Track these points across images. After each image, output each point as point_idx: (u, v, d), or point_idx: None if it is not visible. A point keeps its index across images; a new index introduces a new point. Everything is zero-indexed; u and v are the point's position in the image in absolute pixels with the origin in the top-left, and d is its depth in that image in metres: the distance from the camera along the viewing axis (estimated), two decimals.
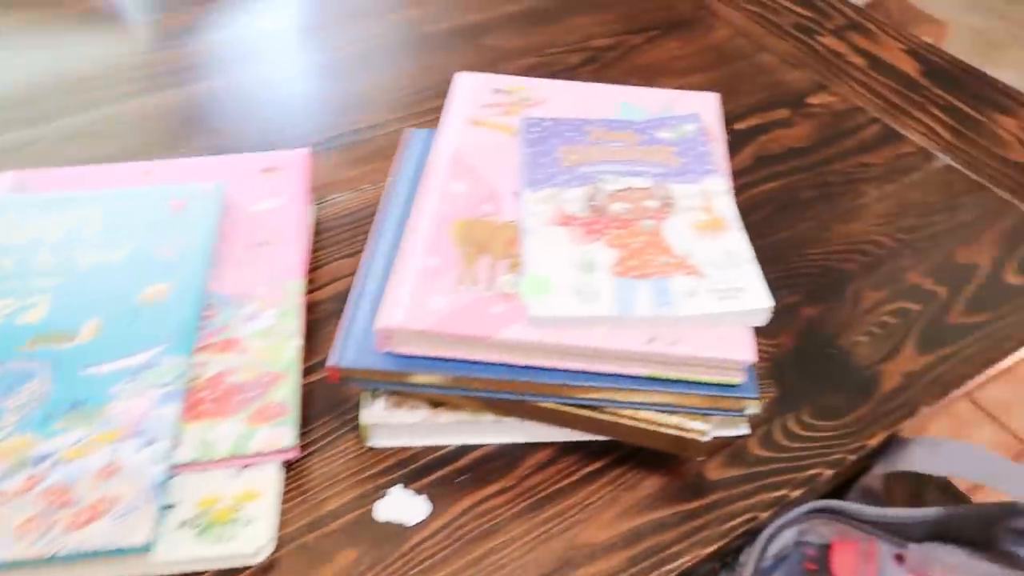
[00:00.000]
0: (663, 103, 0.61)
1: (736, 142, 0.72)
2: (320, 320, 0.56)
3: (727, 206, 0.51)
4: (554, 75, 0.79)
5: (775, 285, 0.59)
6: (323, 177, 0.67)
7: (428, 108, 0.75)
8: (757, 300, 0.45)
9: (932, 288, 0.60)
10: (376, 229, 0.55)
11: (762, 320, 0.45)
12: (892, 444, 0.51)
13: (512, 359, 0.45)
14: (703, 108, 0.61)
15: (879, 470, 0.51)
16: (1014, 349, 0.56)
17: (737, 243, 0.48)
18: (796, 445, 0.50)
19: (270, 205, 0.60)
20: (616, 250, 0.48)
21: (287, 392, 0.49)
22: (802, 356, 0.55)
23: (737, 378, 0.45)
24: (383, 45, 0.83)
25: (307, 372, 0.53)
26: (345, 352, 0.46)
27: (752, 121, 0.75)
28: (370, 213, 0.64)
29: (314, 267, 0.60)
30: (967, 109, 0.77)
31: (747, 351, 0.44)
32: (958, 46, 2.36)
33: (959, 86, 0.80)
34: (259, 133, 0.71)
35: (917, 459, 0.49)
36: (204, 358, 0.50)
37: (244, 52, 0.81)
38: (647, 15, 0.88)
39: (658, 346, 0.44)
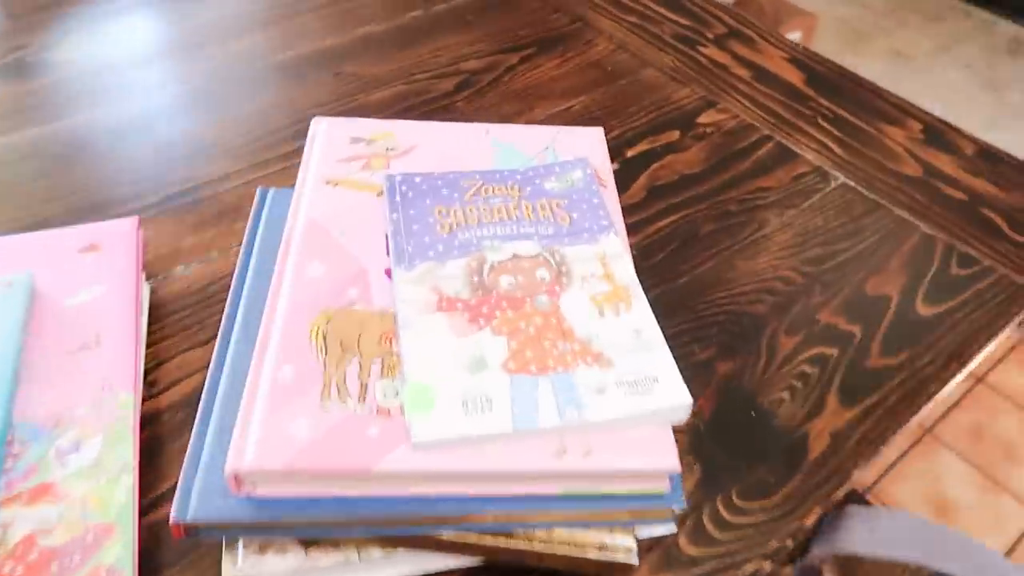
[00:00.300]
0: (544, 141, 0.54)
1: (627, 172, 0.66)
2: (165, 436, 0.46)
3: (627, 271, 0.45)
4: (425, 104, 0.71)
5: (684, 339, 0.54)
6: (159, 247, 0.57)
7: (282, 154, 0.65)
8: (674, 395, 0.39)
9: (847, 328, 0.56)
10: (226, 319, 0.46)
11: (682, 418, 0.39)
12: (826, 517, 0.47)
13: (398, 491, 0.37)
14: (588, 145, 0.55)
15: (817, 551, 0.46)
16: (935, 392, 0.52)
17: (643, 319, 0.42)
18: (728, 536, 0.44)
19: (91, 294, 0.49)
20: (508, 338, 0.40)
21: (120, 551, 0.39)
22: (722, 424, 0.50)
23: (661, 487, 0.38)
24: (226, 79, 0.72)
25: (149, 509, 0.43)
26: (190, 501, 0.37)
27: (642, 147, 0.69)
28: (222, 288, 0.54)
29: (154, 364, 0.50)
30: (854, 120, 0.75)
31: (670, 458, 0.38)
32: (829, 38, 2.43)
33: (842, 94, 0.78)
34: (76, 198, 0.60)
35: (855, 539, 0.44)
36: (8, 514, 0.40)
37: (56, 98, 0.69)
38: (519, 32, 0.81)
39: (569, 461, 0.37)
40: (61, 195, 0.60)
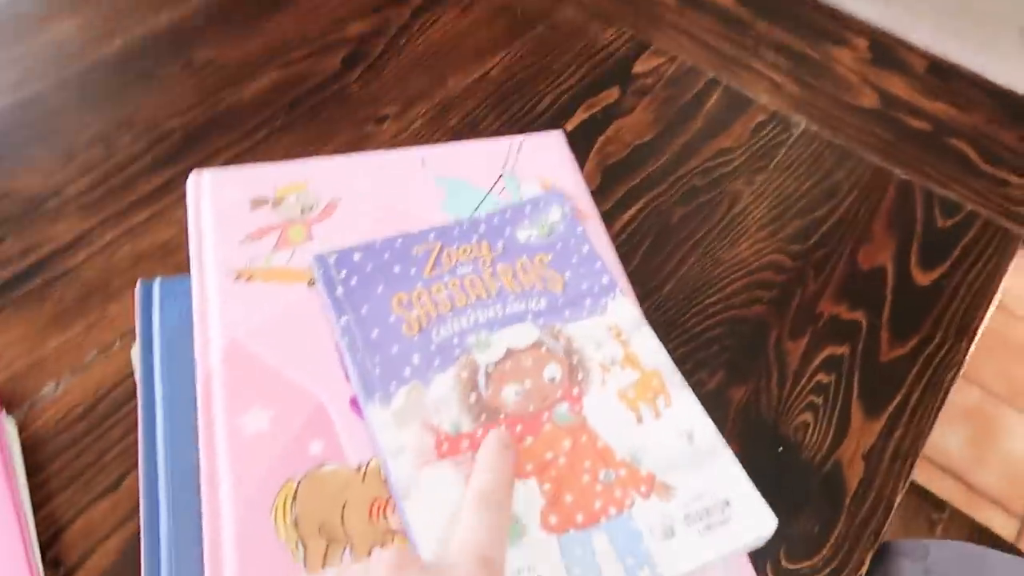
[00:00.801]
0: (497, 164, 0.44)
1: (574, 153, 0.56)
2: None
3: (651, 345, 0.36)
4: (313, 94, 0.57)
5: (688, 365, 0.47)
6: (11, 361, 0.43)
7: (145, 195, 0.50)
8: (755, 519, 0.32)
9: (850, 316, 0.50)
10: (144, 450, 0.35)
11: (763, 541, 0.32)
12: (876, 559, 0.43)
13: None
14: (553, 160, 0.44)
15: None
16: (954, 378, 0.48)
17: (691, 414, 0.34)
18: None
19: None
20: (538, 480, 0.32)
21: None
22: (751, 468, 0.43)
23: None
24: (38, 93, 0.55)
25: None
26: None
27: (581, 115, 0.59)
28: (114, 404, 0.42)
29: (51, 534, 0.38)
30: (799, 46, 0.67)
31: None
32: None
33: (778, 13, 0.69)
34: None
35: None
36: None
37: None
38: None
39: None
40: None
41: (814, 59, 0.66)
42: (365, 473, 0.32)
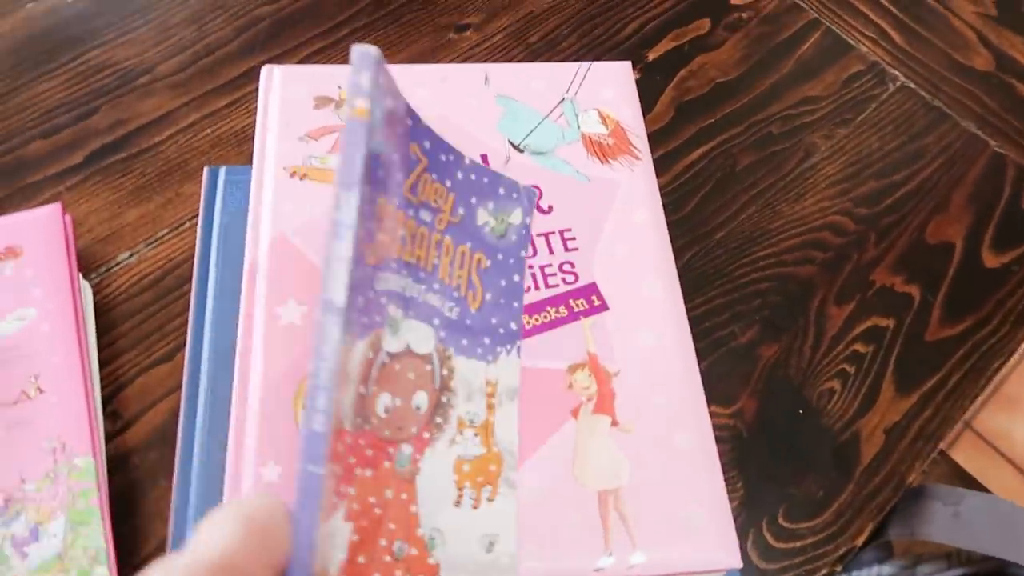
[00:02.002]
0: (558, 90, 0.43)
1: (650, 84, 0.55)
2: (139, 483, 0.40)
3: (511, 423, 0.31)
4: None
5: (723, 316, 0.47)
6: (93, 228, 0.47)
7: (229, 81, 0.53)
8: None
9: (904, 289, 0.49)
10: (193, 329, 0.39)
11: None
12: (906, 494, 0.43)
13: None
14: (615, 94, 0.44)
15: (893, 532, 0.43)
16: (999, 368, 0.47)
17: (503, 523, 0.30)
18: (775, 567, 0.41)
19: (20, 323, 0.41)
20: (353, 526, 0.26)
21: None
22: (766, 426, 0.44)
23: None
24: None
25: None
26: None
27: (667, 45, 0.57)
28: (179, 279, 0.46)
29: (113, 390, 0.42)
30: None
31: (731, 555, 0.32)
32: None
33: None
34: None
35: (935, 525, 0.41)
36: None
37: None
38: None
39: (614, 565, 0.32)
40: None
41: (931, 8, 0.61)
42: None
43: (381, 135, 0.27)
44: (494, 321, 0.33)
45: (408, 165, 0.30)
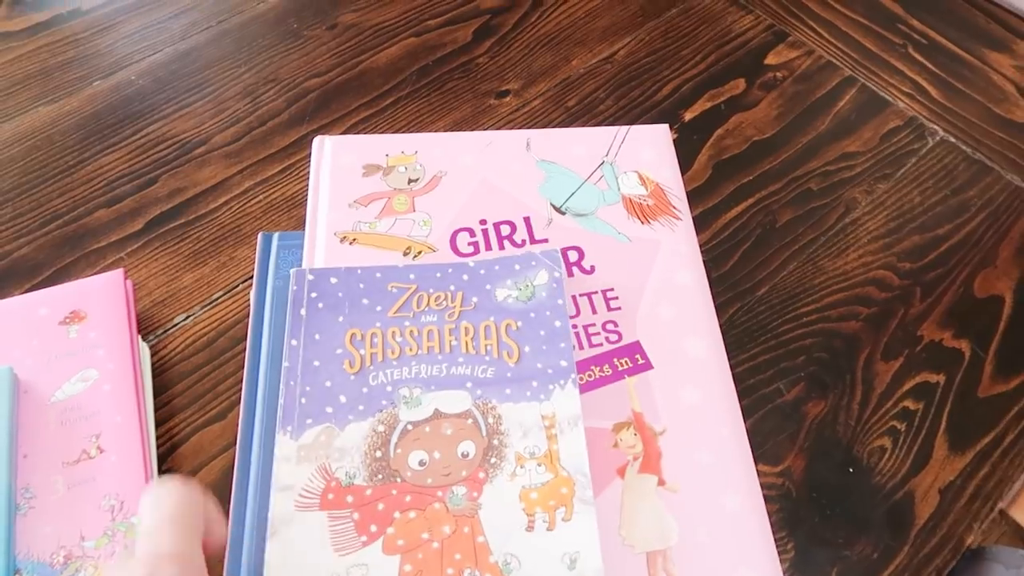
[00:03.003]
0: (598, 153, 0.45)
1: (687, 144, 0.56)
2: None
3: (579, 448, 0.33)
4: (441, 64, 0.60)
5: (768, 372, 0.47)
6: (152, 291, 0.49)
7: (281, 149, 0.55)
8: None
9: (953, 344, 0.48)
10: (247, 389, 0.40)
11: None
12: (965, 558, 0.42)
13: None
14: (653, 154, 0.45)
15: None
16: None
17: (584, 539, 0.31)
18: None
19: (83, 383, 0.42)
20: (402, 560, 0.30)
21: None
22: (816, 486, 0.43)
23: None
24: (189, 49, 0.61)
25: None
26: None
27: (703, 105, 0.58)
28: (231, 340, 0.47)
29: (167, 448, 0.43)
30: (952, 46, 0.62)
31: None
32: None
33: (936, 11, 0.65)
34: (35, 232, 0.51)
35: None
36: None
37: None
38: None
39: None
40: (17, 228, 0.51)
41: (967, 63, 0.62)
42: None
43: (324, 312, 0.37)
44: (539, 365, 0.35)
45: (389, 299, 0.37)
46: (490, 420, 0.34)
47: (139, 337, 0.45)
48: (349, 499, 0.32)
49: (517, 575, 0.30)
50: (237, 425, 0.42)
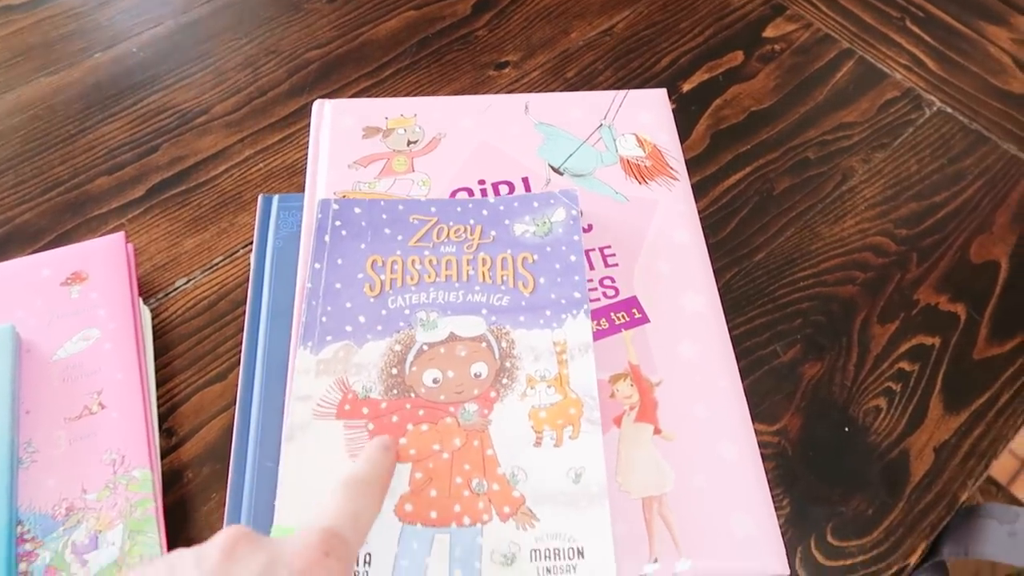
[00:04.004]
0: (595, 116, 0.45)
1: (685, 114, 0.56)
2: (193, 498, 0.41)
3: (589, 373, 0.35)
4: (441, 36, 0.60)
5: (765, 335, 0.47)
6: (153, 255, 0.49)
7: (281, 118, 0.55)
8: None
9: (949, 308, 0.49)
10: (246, 349, 0.40)
11: None
12: (960, 511, 0.42)
13: None
14: (652, 118, 0.45)
15: (947, 551, 0.42)
16: None
17: (590, 455, 0.33)
18: None
19: (84, 342, 0.43)
20: (413, 467, 0.32)
21: None
22: (811, 444, 0.44)
23: None
24: (194, 19, 0.61)
25: None
26: None
27: (701, 76, 0.59)
28: (232, 303, 0.47)
29: (168, 408, 0.44)
30: (950, 20, 0.63)
31: (778, 561, 0.32)
32: None
33: None
34: (37, 197, 0.51)
35: (991, 544, 0.40)
36: None
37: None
38: None
39: (661, 571, 0.32)
40: (19, 195, 0.52)
41: (965, 36, 0.62)
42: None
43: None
44: (553, 296, 0.37)
45: (410, 229, 0.39)
46: (503, 344, 0.35)
47: (140, 299, 0.46)
48: (365, 411, 0.33)
49: (524, 486, 0.32)
50: (237, 385, 0.43)
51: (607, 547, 0.31)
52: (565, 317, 0.36)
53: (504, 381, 0.34)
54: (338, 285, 0.37)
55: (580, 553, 0.30)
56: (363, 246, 0.38)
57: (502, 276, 0.37)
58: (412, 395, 0.34)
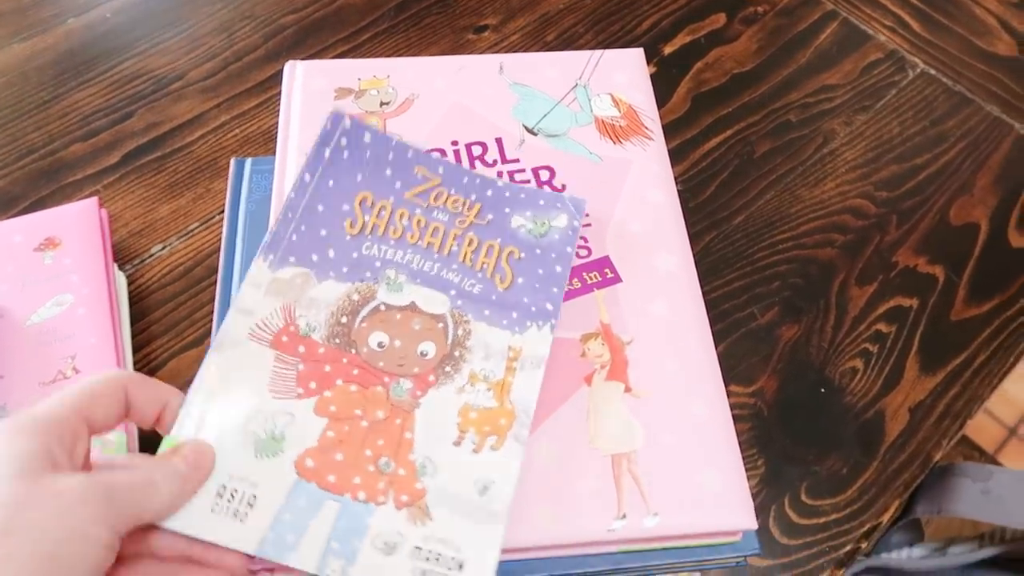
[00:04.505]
0: (571, 77, 0.44)
1: (666, 76, 0.56)
2: None
3: (531, 388, 0.33)
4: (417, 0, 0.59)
5: (743, 297, 0.47)
6: (128, 221, 0.49)
7: (256, 84, 0.55)
8: None
9: (928, 270, 0.48)
10: (219, 315, 0.40)
11: None
12: (934, 471, 0.43)
13: None
14: (627, 78, 0.45)
15: (921, 509, 0.42)
16: None
17: (504, 471, 0.31)
18: (797, 542, 0.40)
19: (58, 307, 0.42)
20: (328, 424, 0.31)
21: None
22: (787, 404, 0.44)
23: (734, 538, 0.33)
24: None
25: None
26: None
27: (682, 39, 0.58)
28: (208, 269, 0.47)
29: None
30: None
31: (745, 516, 0.32)
32: None
33: None
34: (14, 163, 0.51)
35: (964, 500, 0.40)
36: None
37: None
38: None
39: (629, 526, 0.32)
40: None
41: None
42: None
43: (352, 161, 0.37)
44: (526, 300, 0.35)
45: (411, 181, 0.37)
46: (459, 332, 0.34)
47: (115, 265, 0.45)
48: (301, 349, 0.32)
49: (429, 480, 0.30)
50: None
51: (488, 569, 0.29)
52: (530, 325, 0.34)
53: (447, 369, 0.33)
54: (320, 207, 0.35)
55: (460, 566, 0.29)
56: (359, 178, 0.36)
57: (482, 263, 0.36)
58: (352, 351, 0.32)
